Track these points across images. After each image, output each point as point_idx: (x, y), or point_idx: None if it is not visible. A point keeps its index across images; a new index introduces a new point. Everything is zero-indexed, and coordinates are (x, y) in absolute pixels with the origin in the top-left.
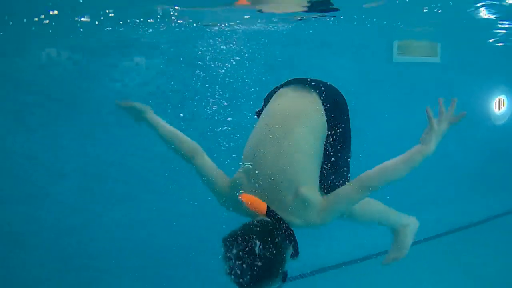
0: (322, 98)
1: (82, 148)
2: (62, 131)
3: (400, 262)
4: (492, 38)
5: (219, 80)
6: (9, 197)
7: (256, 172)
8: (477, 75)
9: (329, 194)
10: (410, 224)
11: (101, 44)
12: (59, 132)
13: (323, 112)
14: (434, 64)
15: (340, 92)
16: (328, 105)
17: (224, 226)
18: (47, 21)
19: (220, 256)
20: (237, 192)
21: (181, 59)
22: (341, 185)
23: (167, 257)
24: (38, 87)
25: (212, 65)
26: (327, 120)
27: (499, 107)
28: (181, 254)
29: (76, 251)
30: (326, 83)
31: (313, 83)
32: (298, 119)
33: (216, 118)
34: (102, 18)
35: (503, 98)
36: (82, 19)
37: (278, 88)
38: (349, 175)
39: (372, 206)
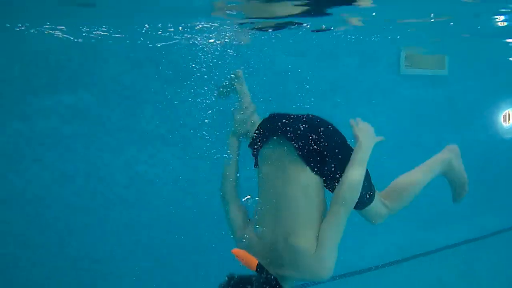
0: (304, 154)
1: (88, 151)
2: (69, 133)
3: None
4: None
5: None
6: (14, 198)
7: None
8: (485, 88)
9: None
10: (448, 157)
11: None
12: (66, 135)
13: (309, 170)
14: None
15: (325, 125)
16: (312, 160)
17: (223, 232)
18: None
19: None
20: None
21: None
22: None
23: (172, 261)
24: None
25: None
26: (316, 172)
27: (508, 121)
28: (185, 257)
29: (81, 253)
30: (307, 126)
31: (292, 139)
32: (288, 183)
33: None
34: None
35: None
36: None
37: (261, 141)
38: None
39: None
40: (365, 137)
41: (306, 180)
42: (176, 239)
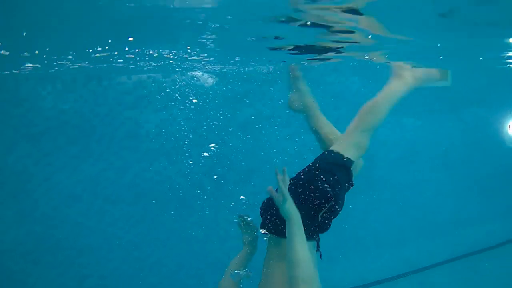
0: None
1: (96, 171)
2: (76, 154)
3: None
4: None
5: None
6: (24, 217)
7: None
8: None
9: None
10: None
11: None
12: (73, 155)
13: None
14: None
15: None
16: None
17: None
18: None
19: None
20: None
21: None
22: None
23: (179, 277)
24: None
25: None
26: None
27: None
28: (193, 274)
29: (89, 270)
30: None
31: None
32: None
33: None
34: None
35: None
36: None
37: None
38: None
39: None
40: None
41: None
42: (182, 255)
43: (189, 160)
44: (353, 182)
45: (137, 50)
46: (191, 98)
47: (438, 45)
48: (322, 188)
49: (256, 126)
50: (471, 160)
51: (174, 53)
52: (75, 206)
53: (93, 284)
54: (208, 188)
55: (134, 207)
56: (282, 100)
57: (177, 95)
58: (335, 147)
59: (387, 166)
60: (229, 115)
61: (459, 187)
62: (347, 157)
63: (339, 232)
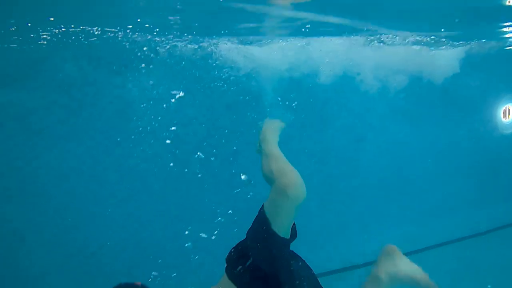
0: None
1: (84, 151)
2: (65, 134)
3: None
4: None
5: None
6: (13, 197)
7: None
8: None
9: None
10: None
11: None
12: (62, 135)
13: None
14: None
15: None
16: None
17: (218, 230)
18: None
19: None
20: None
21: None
22: None
23: (162, 254)
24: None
25: None
26: None
27: (507, 116)
28: (178, 254)
29: (76, 248)
30: None
31: None
32: None
33: None
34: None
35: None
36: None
37: None
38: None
39: None
40: None
41: None
42: (165, 234)
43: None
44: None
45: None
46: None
47: None
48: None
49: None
50: (464, 144)
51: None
52: (63, 186)
53: (79, 262)
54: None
55: (120, 186)
56: None
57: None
58: None
59: (375, 150)
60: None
61: (451, 170)
62: None
63: (324, 216)
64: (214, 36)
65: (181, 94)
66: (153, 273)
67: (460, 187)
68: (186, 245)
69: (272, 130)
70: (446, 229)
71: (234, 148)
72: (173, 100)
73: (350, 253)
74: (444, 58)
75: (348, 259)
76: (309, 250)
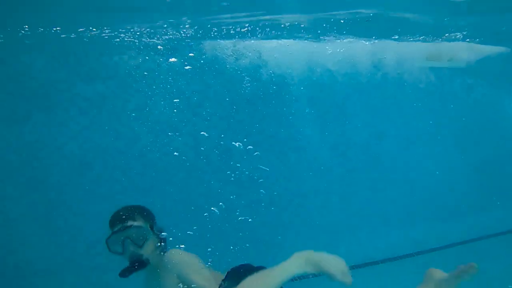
0: None
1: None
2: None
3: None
4: None
5: None
6: (37, 184)
7: None
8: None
9: None
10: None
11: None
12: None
13: None
14: None
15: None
16: None
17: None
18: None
19: None
20: None
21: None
22: None
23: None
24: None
25: None
26: None
27: None
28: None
29: (97, 237)
30: None
31: None
32: None
33: None
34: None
35: None
36: None
37: None
38: None
39: None
40: None
41: None
42: (188, 226)
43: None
44: None
45: None
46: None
47: None
48: None
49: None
50: (484, 141)
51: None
52: (87, 174)
53: (100, 250)
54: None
55: (143, 177)
56: None
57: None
58: None
59: (396, 144)
60: None
61: (471, 170)
62: None
63: (344, 210)
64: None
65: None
66: None
67: (485, 185)
68: (208, 235)
69: None
70: (469, 227)
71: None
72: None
73: (371, 248)
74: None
75: (369, 254)
76: (329, 244)
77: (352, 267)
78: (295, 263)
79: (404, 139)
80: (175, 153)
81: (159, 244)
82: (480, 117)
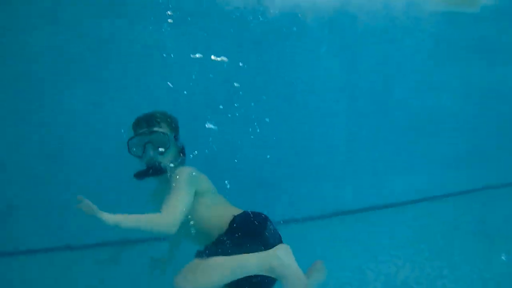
0: None
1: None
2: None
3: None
4: None
5: None
6: (47, 122)
7: None
8: None
9: None
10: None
11: None
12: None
13: None
14: None
15: None
16: None
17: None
18: None
19: None
20: None
21: None
22: None
23: None
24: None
25: None
26: None
27: None
28: None
29: (107, 173)
30: None
31: None
32: None
33: None
34: None
35: None
36: None
37: None
38: None
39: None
40: None
41: None
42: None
43: None
44: None
45: None
46: None
47: None
48: None
49: None
50: (492, 92)
51: None
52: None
53: (109, 185)
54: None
55: None
56: None
57: None
58: None
59: (402, 90)
60: None
61: (478, 119)
62: None
63: (350, 153)
64: None
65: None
66: None
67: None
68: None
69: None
70: (474, 177)
71: None
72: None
73: (376, 194)
74: None
75: (372, 199)
76: (334, 187)
77: (355, 211)
78: (261, 264)
79: (413, 86)
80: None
81: (179, 156)
82: (493, 70)
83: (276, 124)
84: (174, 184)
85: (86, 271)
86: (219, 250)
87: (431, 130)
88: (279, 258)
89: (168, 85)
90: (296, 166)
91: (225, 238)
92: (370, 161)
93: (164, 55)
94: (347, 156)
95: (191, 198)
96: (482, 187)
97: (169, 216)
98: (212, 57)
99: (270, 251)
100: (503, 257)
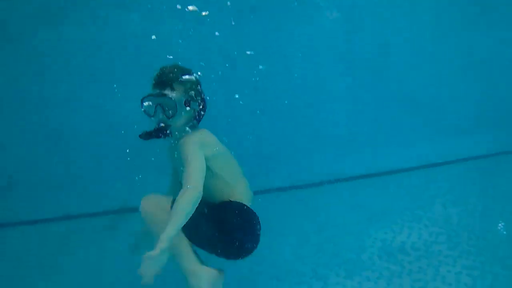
0: None
1: None
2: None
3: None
4: None
5: None
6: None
7: None
8: None
9: None
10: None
11: None
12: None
13: None
14: None
15: None
16: None
17: None
18: None
19: None
20: None
21: None
22: None
23: None
24: None
25: None
26: None
27: None
28: None
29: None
30: None
31: None
32: None
33: None
34: None
35: None
36: None
37: None
38: None
39: None
40: None
41: None
42: None
43: None
44: None
45: None
46: None
47: None
48: None
49: None
50: (493, 58)
51: None
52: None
53: (108, 155)
54: None
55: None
56: None
57: None
58: None
59: (401, 59)
60: None
61: (481, 86)
62: None
63: (349, 123)
64: None
65: None
66: None
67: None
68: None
69: None
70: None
71: None
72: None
73: (376, 161)
74: None
75: (372, 167)
76: (334, 155)
77: (355, 178)
78: (193, 270)
79: (412, 55)
80: None
81: (192, 119)
82: (492, 38)
83: (276, 92)
84: (183, 156)
85: (84, 240)
86: (202, 216)
87: (431, 99)
88: (201, 281)
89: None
90: (296, 134)
91: (207, 210)
92: (370, 129)
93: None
94: (347, 124)
95: (203, 162)
96: (481, 155)
97: (192, 190)
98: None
99: (207, 269)
100: (500, 226)
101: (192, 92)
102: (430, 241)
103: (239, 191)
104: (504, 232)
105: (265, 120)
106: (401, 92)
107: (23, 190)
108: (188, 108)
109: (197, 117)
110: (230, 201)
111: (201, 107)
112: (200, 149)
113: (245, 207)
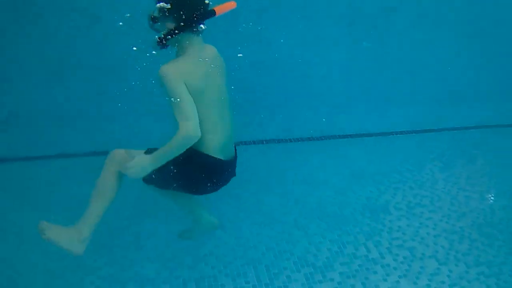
0: None
1: None
2: None
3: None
4: None
5: None
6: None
7: None
8: None
9: None
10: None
11: None
12: None
13: None
14: None
15: None
16: None
17: None
18: None
19: None
20: None
21: None
22: None
23: None
24: None
25: None
26: None
27: None
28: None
29: (108, 88)
30: None
31: None
32: None
33: None
34: None
35: None
36: None
37: None
38: None
39: None
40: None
41: None
42: None
43: None
44: None
45: None
46: None
47: None
48: None
49: None
50: (495, 26)
51: None
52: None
53: (110, 97)
54: None
55: None
56: None
57: None
58: None
59: (402, 22)
60: None
61: (484, 56)
62: None
63: (347, 82)
64: None
65: None
66: None
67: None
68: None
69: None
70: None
71: None
72: None
73: (369, 121)
74: None
75: (364, 127)
76: (329, 113)
77: (346, 136)
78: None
79: (414, 17)
80: None
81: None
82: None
83: (273, 47)
84: (164, 90)
85: (79, 178)
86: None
87: (430, 63)
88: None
89: None
90: (292, 90)
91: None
92: (366, 89)
93: None
94: (343, 83)
95: (187, 94)
96: (475, 126)
97: (185, 126)
98: None
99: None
100: (489, 196)
101: (166, 9)
102: (414, 202)
103: (208, 141)
104: (491, 200)
105: (263, 73)
106: (401, 55)
107: (22, 126)
108: (158, 24)
109: (166, 38)
110: (195, 150)
111: (181, 23)
112: (178, 83)
113: (210, 159)
